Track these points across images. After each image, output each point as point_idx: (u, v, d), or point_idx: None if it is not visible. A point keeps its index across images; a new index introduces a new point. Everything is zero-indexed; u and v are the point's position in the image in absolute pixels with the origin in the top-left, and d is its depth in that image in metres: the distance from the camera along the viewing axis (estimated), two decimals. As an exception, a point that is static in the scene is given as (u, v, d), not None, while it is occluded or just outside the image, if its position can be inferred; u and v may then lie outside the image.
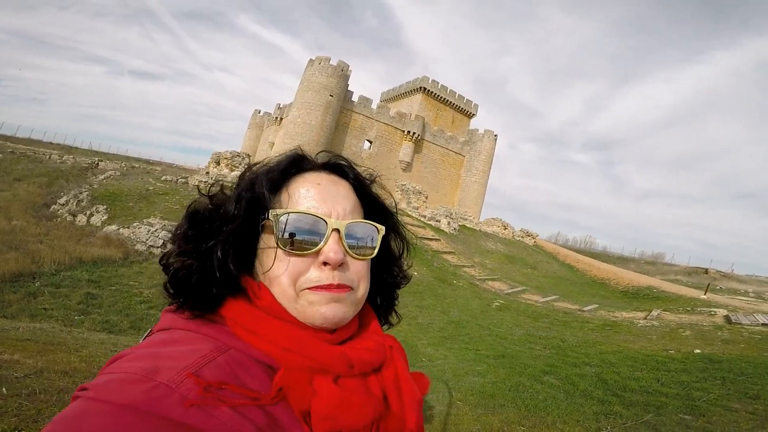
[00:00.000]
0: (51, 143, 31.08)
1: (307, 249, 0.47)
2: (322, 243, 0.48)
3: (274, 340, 0.45)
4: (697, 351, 6.69)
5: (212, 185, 0.54)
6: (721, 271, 32.84)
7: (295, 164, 0.53)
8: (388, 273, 0.61)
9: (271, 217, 0.48)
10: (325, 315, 0.47)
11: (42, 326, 4.54)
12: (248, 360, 0.44)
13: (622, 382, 4.99)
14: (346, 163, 0.57)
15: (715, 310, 11.27)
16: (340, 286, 0.48)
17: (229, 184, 0.54)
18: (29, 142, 28.14)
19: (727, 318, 10.05)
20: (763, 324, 9.03)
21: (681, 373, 5.39)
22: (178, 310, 0.48)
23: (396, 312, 0.65)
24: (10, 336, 3.46)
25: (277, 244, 0.47)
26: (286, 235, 0.47)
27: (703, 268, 33.23)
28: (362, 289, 0.52)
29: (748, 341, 7.51)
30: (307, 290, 0.47)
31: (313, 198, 0.50)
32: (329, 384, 0.45)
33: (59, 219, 11.94)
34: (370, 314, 0.58)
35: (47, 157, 18.67)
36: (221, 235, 0.48)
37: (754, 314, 10.33)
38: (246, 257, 0.50)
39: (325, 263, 0.48)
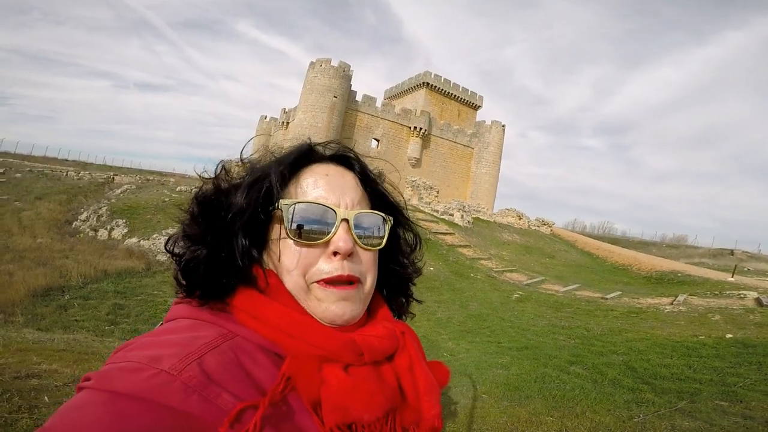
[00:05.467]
0: (66, 160, 31.92)
1: (317, 239, 0.47)
2: (331, 233, 0.47)
3: (280, 327, 0.44)
4: (729, 336, 6.48)
5: (216, 168, 0.53)
6: (747, 252, 31.80)
7: (304, 155, 0.53)
8: (397, 265, 0.60)
9: (280, 207, 0.48)
10: (335, 312, 0.47)
11: (75, 337, 4.70)
12: (254, 347, 0.43)
13: (653, 370, 4.88)
14: (353, 155, 0.57)
15: (744, 292, 10.92)
16: (350, 278, 0.48)
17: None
18: (45, 160, 28.92)
19: (758, 300, 9.71)
20: (796, 304, 8.72)
21: (714, 359, 5.24)
22: (186, 300, 0.47)
23: (409, 303, 0.64)
24: (47, 347, 3.59)
25: (287, 234, 0.47)
26: (295, 226, 0.47)
27: (728, 249, 32.21)
28: (370, 280, 0.51)
29: (783, 323, 7.24)
30: (316, 284, 0.47)
31: (321, 188, 0.50)
32: (339, 372, 0.43)
33: (82, 235, 12.29)
34: (380, 302, 0.57)
35: (64, 174, 19.17)
36: (236, 224, 0.47)
37: (787, 295, 9.99)
38: (256, 247, 0.50)
39: (335, 253, 0.47)
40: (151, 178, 21.96)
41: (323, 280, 0.47)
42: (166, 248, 0.50)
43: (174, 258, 0.49)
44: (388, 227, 0.53)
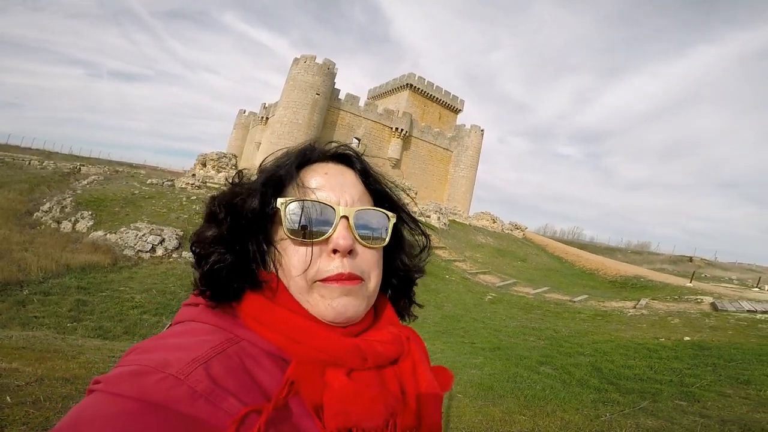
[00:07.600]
0: (30, 148, 30.22)
1: (317, 237, 0.47)
2: (331, 230, 0.47)
3: (284, 331, 0.44)
4: (687, 338, 6.87)
5: (236, 174, 0.53)
6: (705, 259, 33.69)
7: (304, 155, 0.53)
8: (400, 264, 0.59)
9: (279, 206, 0.47)
10: (337, 309, 0.46)
11: (35, 334, 4.45)
12: (259, 352, 0.43)
13: (617, 371, 5.11)
14: (353, 153, 0.56)
15: (701, 297, 11.60)
16: (351, 276, 0.47)
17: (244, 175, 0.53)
18: (7, 147, 27.27)
19: (713, 305, 10.33)
20: (748, 311, 9.35)
21: (673, 361, 5.54)
22: (193, 303, 0.47)
23: (411, 304, 0.63)
24: (5, 344, 3.39)
25: (286, 233, 0.47)
26: (294, 225, 0.47)
27: (687, 257, 34.05)
28: (374, 279, 0.50)
29: (735, 328, 7.74)
30: (318, 283, 0.47)
31: (321, 187, 0.50)
32: (342, 377, 0.44)
33: (43, 226, 11.59)
34: (386, 306, 0.56)
35: (27, 163, 18.09)
36: (247, 229, 0.47)
37: (739, 301, 10.68)
38: (263, 250, 0.50)
39: (334, 251, 0.47)
40: (121, 169, 21.03)
41: (324, 279, 0.47)
42: (192, 249, 0.49)
43: (198, 259, 0.48)
44: (390, 224, 0.52)
